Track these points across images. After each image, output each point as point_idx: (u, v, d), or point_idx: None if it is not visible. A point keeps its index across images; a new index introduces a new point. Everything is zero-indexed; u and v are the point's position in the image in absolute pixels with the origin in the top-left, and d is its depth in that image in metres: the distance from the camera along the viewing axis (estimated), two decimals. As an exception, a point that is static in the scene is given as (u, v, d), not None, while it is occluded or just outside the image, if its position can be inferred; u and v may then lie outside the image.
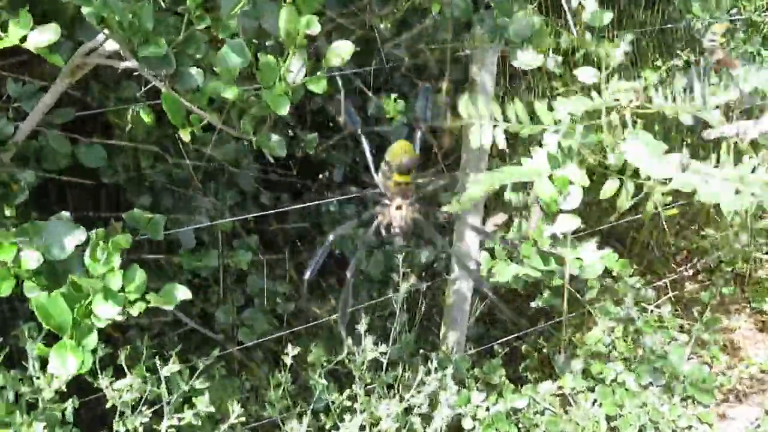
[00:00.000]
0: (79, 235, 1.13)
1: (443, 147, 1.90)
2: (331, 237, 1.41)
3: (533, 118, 1.47)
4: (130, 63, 1.08)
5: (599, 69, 1.48)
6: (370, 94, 1.84)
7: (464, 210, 1.67)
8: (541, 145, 1.50)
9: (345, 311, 1.46)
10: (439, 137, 1.96)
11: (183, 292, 1.19)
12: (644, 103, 1.40)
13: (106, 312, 1.10)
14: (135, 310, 1.11)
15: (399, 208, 1.36)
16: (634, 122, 1.41)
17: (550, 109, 1.45)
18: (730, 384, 2.25)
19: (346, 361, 1.55)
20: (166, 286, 1.18)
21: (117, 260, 1.12)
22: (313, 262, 1.40)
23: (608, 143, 1.40)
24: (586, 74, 1.50)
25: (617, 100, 1.41)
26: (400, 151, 1.35)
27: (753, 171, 1.23)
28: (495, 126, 1.54)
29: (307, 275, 1.40)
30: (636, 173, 1.45)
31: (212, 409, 1.28)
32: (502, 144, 1.53)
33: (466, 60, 1.73)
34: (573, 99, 1.45)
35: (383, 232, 1.39)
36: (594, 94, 1.43)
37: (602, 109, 1.41)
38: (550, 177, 1.43)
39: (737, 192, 1.25)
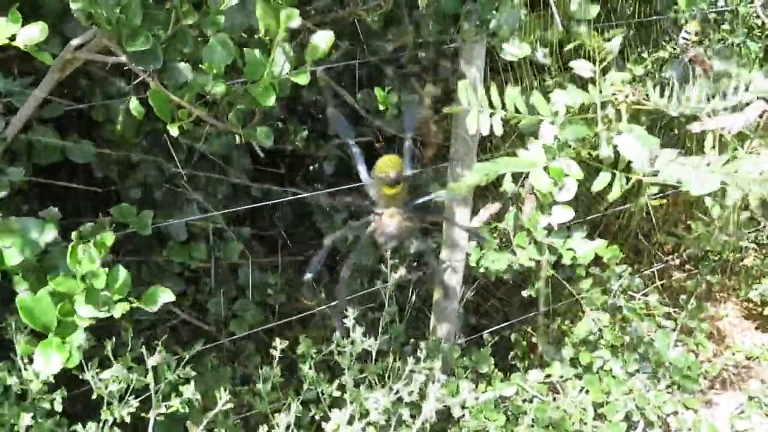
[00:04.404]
0: (48, 234, 1.14)
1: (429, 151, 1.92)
2: (328, 241, 1.48)
3: (530, 108, 1.48)
4: (120, 58, 1.09)
5: (593, 62, 1.49)
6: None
7: (455, 197, 1.68)
8: (536, 137, 1.51)
9: (342, 306, 1.54)
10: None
11: (167, 295, 1.20)
12: (641, 99, 1.42)
13: (87, 312, 1.11)
14: (117, 312, 1.12)
15: (392, 216, 1.43)
16: (632, 117, 1.42)
17: (547, 100, 1.46)
18: (716, 371, 2.28)
19: (336, 352, 1.57)
20: (149, 289, 1.19)
21: (98, 261, 1.12)
22: (313, 264, 1.48)
23: (604, 136, 1.41)
24: (581, 67, 1.51)
25: (614, 94, 1.42)
26: (386, 167, 1.42)
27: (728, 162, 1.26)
28: (492, 114, 1.55)
29: (307, 276, 1.48)
30: (628, 166, 1.46)
31: (198, 396, 1.29)
32: (498, 131, 1.55)
33: (454, 54, 1.74)
34: (570, 91, 1.46)
35: (378, 239, 1.46)
36: (591, 87, 1.44)
37: (597, 103, 1.42)
38: (546, 168, 1.44)
39: (723, 185, 1.26)
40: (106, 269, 1.13)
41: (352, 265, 1.52)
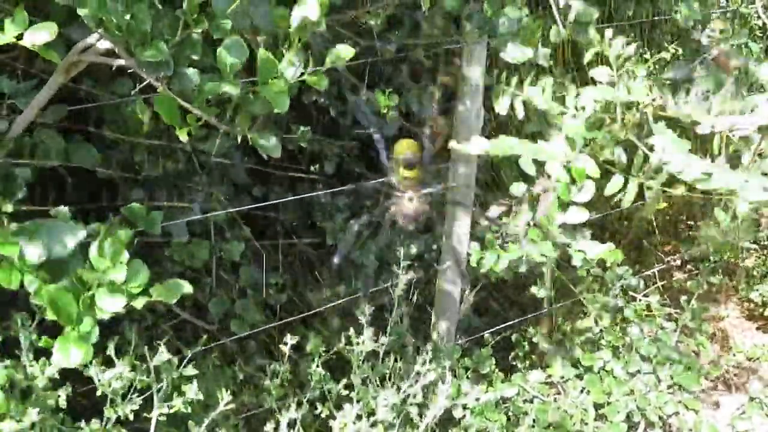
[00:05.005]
0: (79, 234, 1.15)
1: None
2: (352, 227, 1.64)
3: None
4: (125, 61, 1.09)
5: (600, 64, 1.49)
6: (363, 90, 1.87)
7: (455, 179, 1.68)
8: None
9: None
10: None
11: (185, 288, 1.21)
12: (664, 104, 1.41)
13: (109, 305, 1.12)
14: (138, 304, 1.13)
15: (410, 200, 1.49)
16: (657, 120, 1.41)
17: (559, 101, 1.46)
18: (717, 372, 2.28)
19: (344, 351, 1.57)
20: (169, 281, 1.20)
21: (125, 255, 1.14)
22: (340, 250, 1.68)
23: (624, 139, 1.41)
24: (599, 74, 1.50)
25: (639, 97, 1.42)
26: (403, 149, 1.50)
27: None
28: (515, 96, 1.55)
29: (335, 261, 1.67)
30: (640, 170, 1.46)
31: (201, 396, 1.30)
32: (520, 114, 1.54)
33: (456, 54, 1.74)
34: (597, 88, 1.46)
35: (398, 221, 1.51)
36: (619, 88, 1.43)
37: (617, 106, 1.41)
38: (566, 164, 1.43)
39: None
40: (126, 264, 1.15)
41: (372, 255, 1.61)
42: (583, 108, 1.42)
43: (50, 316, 1.10)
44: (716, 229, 2.10)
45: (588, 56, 1.53)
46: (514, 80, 1.59)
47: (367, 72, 1.85)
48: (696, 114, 1.37)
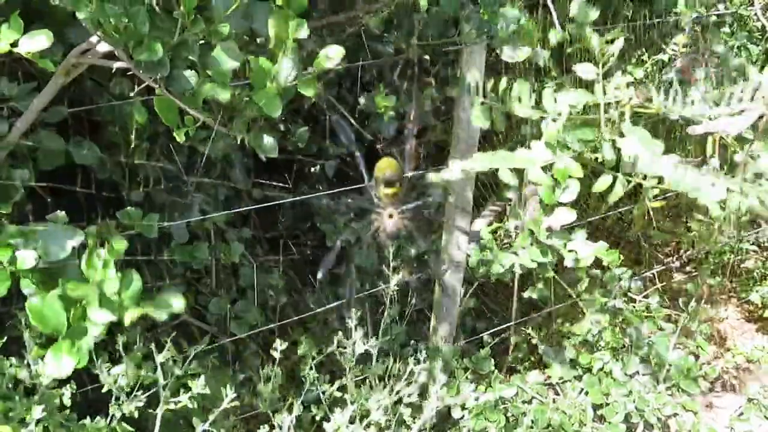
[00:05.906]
0: (76, 239, 1.15)
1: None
2: (335, 242, 1.55)
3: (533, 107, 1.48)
4: (124, 63, 1.09)
5: (594, 64, 1.49)
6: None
7: (453, 184, 1.69)
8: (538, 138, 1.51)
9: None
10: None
11: (178, 302, 1.21)
12: (644, 102, 1.42)
13: (100, 317, 1.12)
14: (128, 318, 1.13)
15: (390, 216, 1.51)
16: (632, 120, 1.42)
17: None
18: (716, 373, 2.28)
19: (337, 353, 1.58)
20: (160, 296, 1.20)
21: (112, 266, 1.14)
22: (324, 264, 1.71)
23: (606, 138, 1.41)
24: (584, 70, 1.51)
25: (617, 96, 1.42)
26: (384, 167, 1.54)
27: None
28: (494, 107, 1.55)
29: (320, 276, 1.72)
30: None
31: (207, 390, 1.30)
32: (501, 126, 1.55)
33: (455, 56, 1.74)
34: (575, 92, 1.46)
35: (380, 237, 1.57)
36: (597, 88, 1.44)
37: (601, 104, 1.42)
38: (546, 167, 1.44)
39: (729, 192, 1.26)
40: (119, 274, 1.14)
41: (354, 266, 1.60)
42: (560, 114, 1.42)
43: (38, 327, 1.10)
44: (707, 225, 2.10)
45: (568, 50, 1.53)
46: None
47: (344, 75, 1.85)
48: (676, 109, 1.38)
